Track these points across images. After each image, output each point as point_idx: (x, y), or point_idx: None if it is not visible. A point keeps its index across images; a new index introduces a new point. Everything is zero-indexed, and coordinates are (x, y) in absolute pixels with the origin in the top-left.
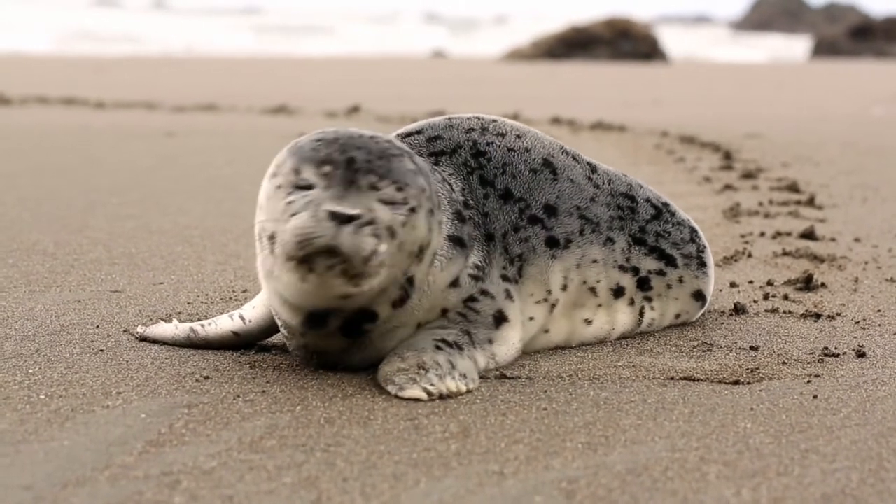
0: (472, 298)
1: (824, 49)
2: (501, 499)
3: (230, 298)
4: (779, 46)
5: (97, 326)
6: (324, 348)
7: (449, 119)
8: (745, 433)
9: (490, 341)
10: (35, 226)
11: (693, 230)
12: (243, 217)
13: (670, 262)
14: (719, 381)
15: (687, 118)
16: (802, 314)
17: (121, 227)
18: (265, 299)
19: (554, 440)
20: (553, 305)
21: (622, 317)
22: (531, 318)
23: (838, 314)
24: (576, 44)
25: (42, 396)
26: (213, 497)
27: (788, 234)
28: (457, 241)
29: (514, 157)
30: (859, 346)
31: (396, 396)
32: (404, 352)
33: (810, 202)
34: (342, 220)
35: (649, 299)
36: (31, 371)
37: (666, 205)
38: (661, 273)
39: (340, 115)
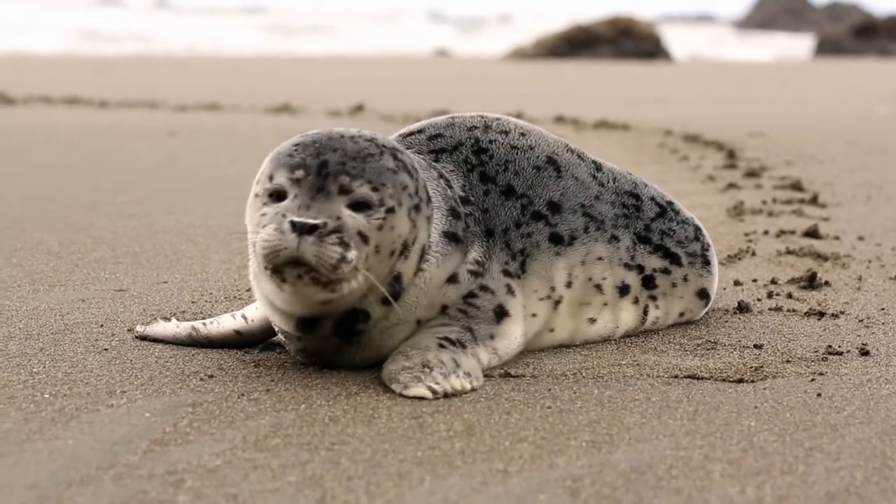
0: (471, 294)
1: (827, 48)
2: (506, 497)
3: (234, 297)
4: (782, 45)
5: (101, 325)
6: (322, 350)
7: (452, 118)
8: (750, 431)
9: (492, 336)
10: (39, 225)
11: (697, 228)
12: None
13: (675, 260)
14: (723, 380)
15: (690, 117)
16: (806, 312)
17: (124, 226)
18: None
19: (558, 438)
20: (557, 302)
21: (626, 315)
22: (534, 315)
23: (842, 312)
24: (579, 43)
25: (46, 395)
26: (217, 496)
27: (792, 232)
28: (451, 237)
29: (517, 154)
30: (863, 344)
31: (401, 395)
32: (408, 350)
33: (814, 201)
34: (304, 230)
35: (654, 298)
36: (35, 370)
37: (670, 203)
38: (665, 271)
39: (344, 114)
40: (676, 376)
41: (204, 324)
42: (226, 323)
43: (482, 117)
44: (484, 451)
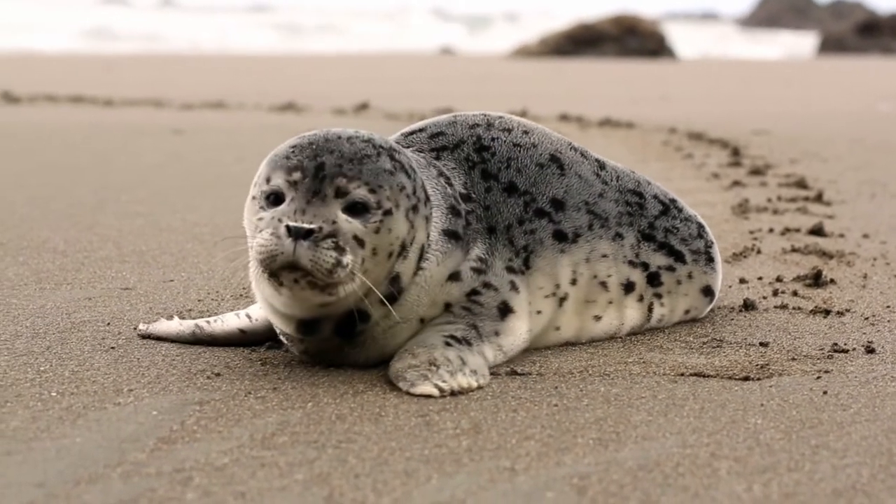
0: (474, 292)
1: (831, 46)
2: (513, 495)
3: (240, 296)
4: (786, 43)
5: (108, 324)
6: (324, 351)
7: (454, 116)
8: (756, 429)
9: (497, 333)
10: (45, 223)
11: (700, 226)
12: None
13: (679, 257)
14: (729, 377)
15: (694, 115)
16: (812, 310)
17: (130, 224)
18: None
19: (565, 436)
20: (562, 300)
21: (631, 312)
22: (539, 312)
23: (847, 310)
24: (583, 41)
25: (54, 394)
26: (225, 493)
27: (797, 230)
28: (451, 235)
29: (519, 152)
30: (869, 341)
31: (408, 393)
32: (415, 348)
33: (818, 198)
34: (300, 234)
35: (659, 295)
36: (42, 368)
37: (673, 201)
38: (670, 269)
39: (349, 112)
40: (682, 374)
41: (208, 322)
42: (230, 321)
43: (485, 115)
44: (491, 449)
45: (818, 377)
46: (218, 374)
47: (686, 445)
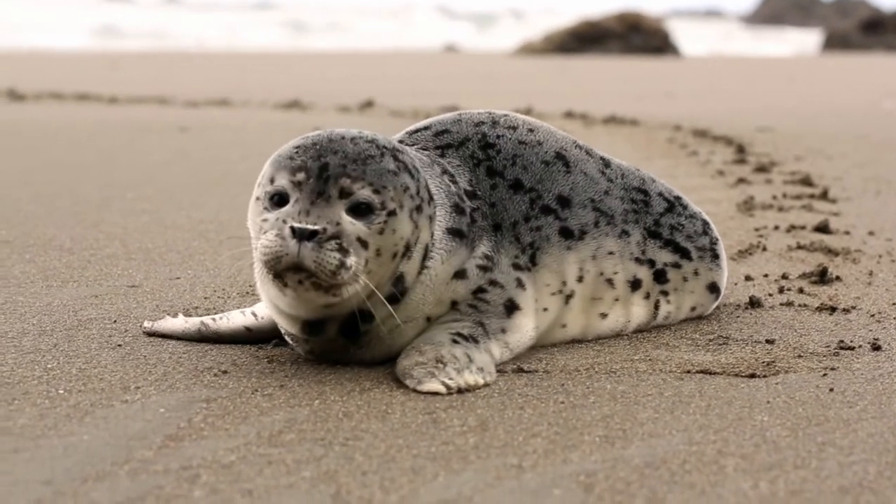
0: (481, 289)
1: (835, 43)
2: (520, 492)
3: (246, 293)
4: (790, 40)
5: (114, 321)
6: (329, 351)
7: (459, 114)
8: (762, 426)
9: (503, 330)
10: (51, 221)
11: (705, 223)
12: None
13: (685, 254)
14: (736, 375)
15: (699, 112)
16: (818, 307)
17: (136, 222)
18: None
19: (572, 433)
20: (569, 297)
21: (638, 310)
22: (545, 309)
23: (853, 307)
24: (587, 38)
25: (61, 391)
26: (232, 491)
27: (802, 227)
28: (456, 233)
29: (525, 149)
30: (875, 338)
31: (415, 390)
32: (422, 346)
33: (824, 195)
34: (304, 236)
35: (665, 293)
36: (49, 366)
37: (678, 198)
38: (676, 266)
39: (353, 110)
40: (689, 371)
41: (213, 319)
42: (236, 319)
43: (490, 114)
44: (498, 447)
45: (824, 374)
46: (225, 372)
47: (692, 443)
